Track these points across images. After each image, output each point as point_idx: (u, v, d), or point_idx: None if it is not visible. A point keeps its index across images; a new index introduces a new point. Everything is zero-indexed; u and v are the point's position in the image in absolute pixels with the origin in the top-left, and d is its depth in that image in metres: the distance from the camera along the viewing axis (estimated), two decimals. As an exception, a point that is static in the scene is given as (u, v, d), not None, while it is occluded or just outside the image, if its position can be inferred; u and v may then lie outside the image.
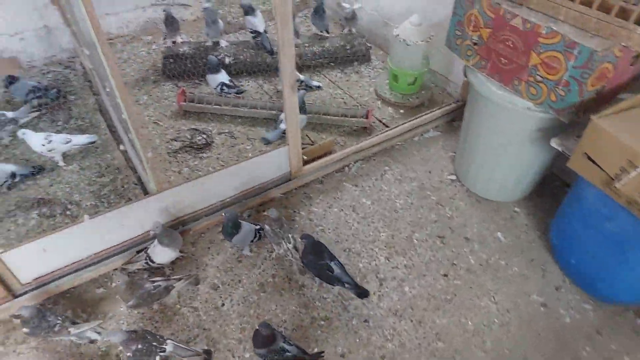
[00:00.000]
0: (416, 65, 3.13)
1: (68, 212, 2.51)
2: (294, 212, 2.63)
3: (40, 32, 3.33)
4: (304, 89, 3.29)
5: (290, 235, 2.29)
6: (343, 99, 3.33)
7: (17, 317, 1.86)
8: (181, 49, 3.32)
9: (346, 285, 2.03)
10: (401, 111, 3.23)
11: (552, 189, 2.73)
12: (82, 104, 3.18)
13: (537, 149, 2.30)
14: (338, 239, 2.49)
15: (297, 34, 3.46)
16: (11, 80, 2.98)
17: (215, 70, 3.08)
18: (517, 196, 2.66)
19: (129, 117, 1.89)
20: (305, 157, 2.63)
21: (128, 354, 1.76)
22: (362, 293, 2.04)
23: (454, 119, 3.19)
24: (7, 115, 2.77)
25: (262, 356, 1.83)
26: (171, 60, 3.29)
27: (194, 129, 3.05)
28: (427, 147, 3.04)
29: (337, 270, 2.04)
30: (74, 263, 2.14)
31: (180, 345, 1.87)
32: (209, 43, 3.40)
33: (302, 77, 3.26)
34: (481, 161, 2.55)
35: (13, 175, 2.56)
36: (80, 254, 2.15)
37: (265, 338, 1.77)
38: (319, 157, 2.74)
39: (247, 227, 2.27)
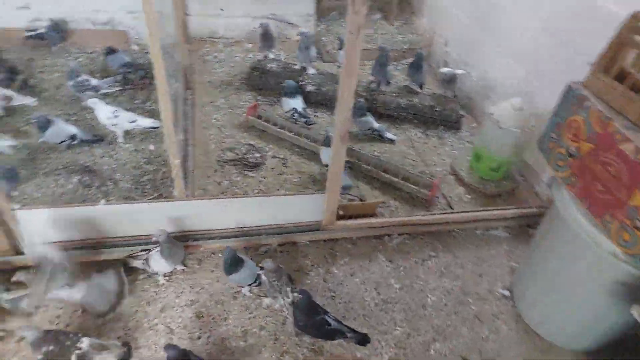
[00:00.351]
0: (504, 152, 2.73)
1: (104, 188, 2.54)
2: (312, 265, 2.38)
3: (154, 15, 3.53)
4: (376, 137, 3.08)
5: (288, 289, 2.05)
6: (413, 160, 3.02)
7: None
8: (269, 65, 3.30)
9: (348, 335, 1.92)
10: (468, 195, 2.83)
11: (627, 355, 2.14)
12: (164, 90, 3.28)
13: (614, 303, 1.80)
14: (346, 314, 2.19)
15: (387, 81, 3.25)
16: (111, 51, 3.18)
17: (291, 94, 2.99)
18: (577, 346, 2.13)
19: (164, 121, 1.82)
20: (341, 212, 2.38)
21: (38, 356, 1.66)
22: (364, 339, 1.95)
23: (531, 226, 2.70)
24: (91, 81, 2.93)
25: None
26: (256, 72, 3.28)
27: (251, 144, 2.97)
28: (488, 246, 2.61)
29: (333, 323, 1.93)
30: (75, 241, 2.12)
31: (97, 340, 1.76)
32: (297, 67, 3.34)
33: (376, 125, 3.04)
34: (543, 289, 2.08)
35: (73, 137, 2.67)
36: (84, 235, 2.13)
37: None
38: (359, 216, 2.47)
39: (248, 270, 2.07)
